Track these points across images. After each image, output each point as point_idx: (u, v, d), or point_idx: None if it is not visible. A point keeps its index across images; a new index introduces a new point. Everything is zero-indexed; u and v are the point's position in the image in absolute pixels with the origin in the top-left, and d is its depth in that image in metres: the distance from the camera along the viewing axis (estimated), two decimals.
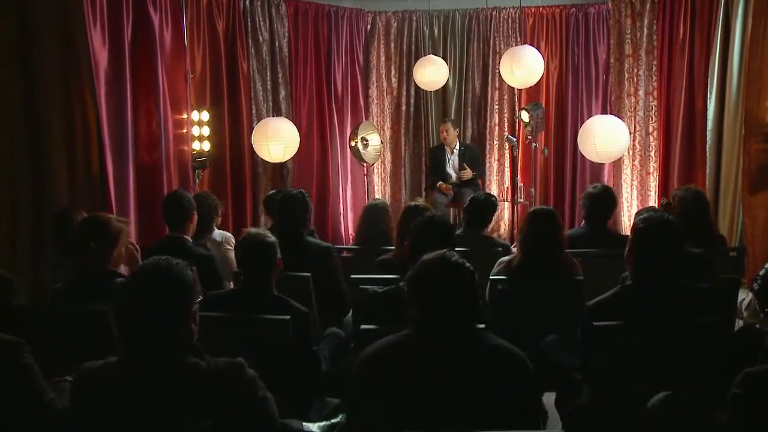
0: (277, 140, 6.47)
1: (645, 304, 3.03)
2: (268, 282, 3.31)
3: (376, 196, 8.53)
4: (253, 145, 6.70)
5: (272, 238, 3.34)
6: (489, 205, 5.06)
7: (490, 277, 3.95)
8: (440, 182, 7.97)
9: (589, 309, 3.10)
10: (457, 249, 4.83)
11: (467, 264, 2.42)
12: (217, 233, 5.29)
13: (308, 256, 4.23)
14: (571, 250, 4.29)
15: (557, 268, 3.88)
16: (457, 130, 8.18)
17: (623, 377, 3.05)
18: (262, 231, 3.39)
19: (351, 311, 4.23)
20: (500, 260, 4.06)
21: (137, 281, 2.23)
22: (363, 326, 3.08)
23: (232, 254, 5.28)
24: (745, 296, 4.11)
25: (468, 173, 7.85)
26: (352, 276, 4.09)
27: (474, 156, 8.09)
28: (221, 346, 3.24)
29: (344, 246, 5.39)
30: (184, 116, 6.64)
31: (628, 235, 5.60)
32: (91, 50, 5.60)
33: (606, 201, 4.82)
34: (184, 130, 6.66)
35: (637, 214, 4.28)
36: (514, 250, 5.23)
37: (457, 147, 8.07)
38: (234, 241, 5.38)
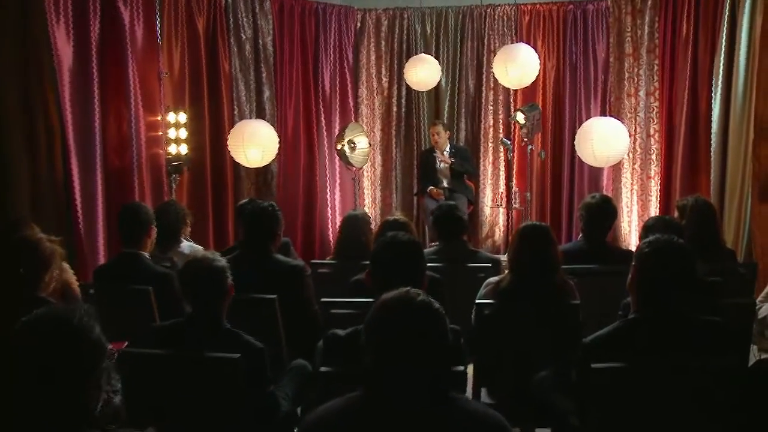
0: (254, 144, 5.98)
1: (651, 343, 2.56)
2: (217, 313, 2.83)
3: (366, 201, 8.07)
4: (229, 149, 6.21)
5: (221, 262, 2.86)
6: (453, 219, 4.53)
7: (476, 301, 3.48)
8: (431, 187, 7.49)
9: (586, 347, 2.62)
10: (436, 265, 4.40)
11: (436, 305, 1.94)
12: (186, 245, 4.82)
13: (276, 275, 3.76)
14: (567, 266, 3.83)
15: (551, 290, 3.39)
16: (449, 132, 7.70)
17: (626, 426, 2.59)
18: (209, 254, 2.90)
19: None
20: (488, 281, 3.58)
21: (23, 336, 1.76)
22: (323, 368, 2.61)
23: None
24: (763, 311, 3.64)
25: (450, 160, 7.37)
26: (323, 300, 3.63)
27: (465, 156, 7.61)
28: (160, 388, 2.79)
29: (320, 261, 4.88)
30: (158, 118, 6.15)
31: (629, 250, 5.16)
32: (53, 48, 5.15)
33: (605, 213, 4.34)
34: (158, 133, 6.18)
35: (644, 228, 3.78)
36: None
37: (448, 150, 7.59)
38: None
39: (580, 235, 4.45)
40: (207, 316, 2.80)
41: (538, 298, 3.37)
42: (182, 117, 6.61)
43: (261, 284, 3.65)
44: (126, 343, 3.15)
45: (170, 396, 2.76)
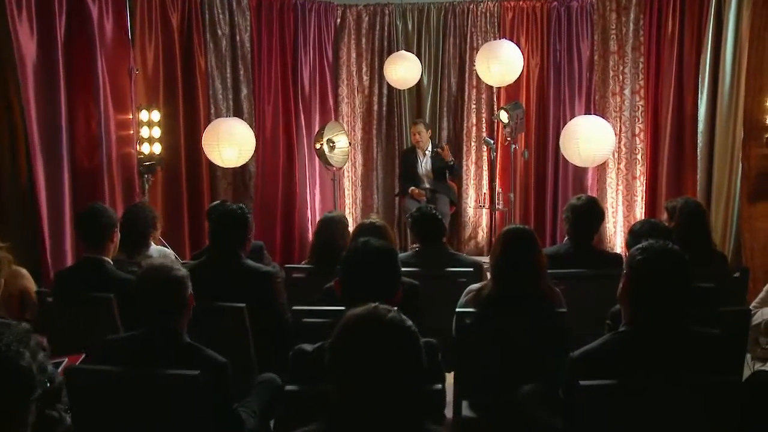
0: (229, 143, 5.73)
1: (643, 358, 2.36)
2: (176, 326, 2.60)
3: (346, 201, 7.84)
4: (204, 149, 5.96)
5: (180, 271, 2.62)
6: (432, 221, 4.29)
7: (457, 310, 3.26)
8: (412, 187, 7.27)
9: (574, 362, 2.41)
10: (414, 270, 4.17)
11: (408, 323, 1.72)
12: (155, 249, 4.59)
13: (246, 282, 3.52)
14: (552, 270, 3.63)
15: (536, 298, 3.18)
16: (430, 131, 7.48)
17: None
18: (167, 262, 2.67)
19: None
20: (469, 288, 3.36)
21: None
22: (288, 387, 2.39)
23: None
24: (758, 317, 3.45)
25: (447, 153, 7.14)
26: (294, 308, 3.40)
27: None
28: (114, 408, 2.56)
29: (295, 265, 4.64)
30: (130, 116, 5.89)
31: (617, 254, 4.96)
32: (15, 43, 4.88)
33: (592, 215, 4.14)
34: (130, 132, 5.92)
35: (631, 232, 3.57)
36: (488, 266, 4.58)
37: (430, 149, 7.37)
38: (173, 259, 4.68)
39: (566, 238, 4.25)
40: (164, 329, 2.57)
41: (522, 306, 3.16)
42: (155, 115, 6.37)
43: (230, 291, 3.43)
44: (83, 356, 2.93)
45: (124, 416, 2.52)
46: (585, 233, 4.14)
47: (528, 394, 2.90)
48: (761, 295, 3.61)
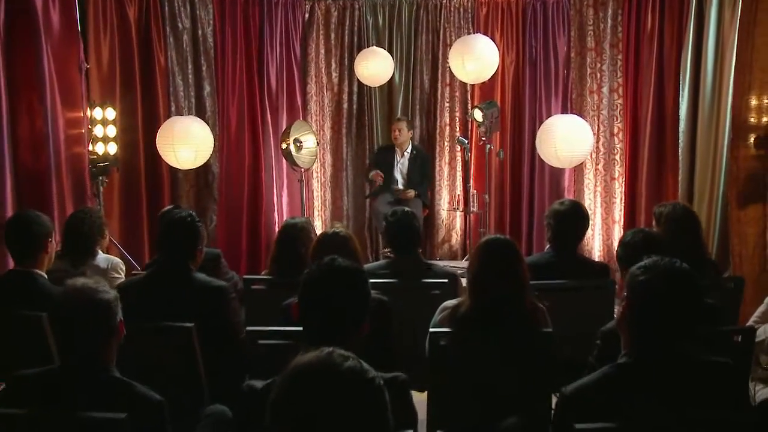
0: (185, 143, 5.28)
1: (648, 394, 1.99)
2: (101, 359, 2.18)
3: (315, 204, 7.42)
4: (158, 149, 5.51)
5: (107, 294, 2.21)
6: (408, 230, 3.87)
7: (431, 330, 2.88)
8: (376, 171, 6.86)
9: (566, 400, 2.04)
10: (385, 281, 3.79)
11: (370, 375, 1.33)
12: (102, 258, 4.15)
13: (195, 299, 3.11)
14: (535, 281, 3.27)
15: (519, 317, 2.81)
16: (411, 131, 7.09)
17: None
18: (91, 282, 2.24)
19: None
20: (444, 305, 2.97)
21: None
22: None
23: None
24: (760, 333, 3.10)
25: (411, 194, 6.74)
26: (249, 329, 2.99)
27: (425, 165, 7.03)
28: None
29: (254, 276, 4.21)
30: (80, 113, 5.42)
31: (603, 263, 4.59)
32: None
33: (576, 220, 3.79)
34: (81, 130, 5.44)
35: (623, 245, 3.18)
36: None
37: (409, 150, 6.98)
38: (123, 268, 4.25)
39: (548, 246, 3.88)
40: (87, 362, 2.15)
41: (503, 326, 2.78)
42: (110, 113, 5.93)
43: (177, 309, 3.02)
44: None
45: None
46: (568, 240, 3.78)
47: (510, 428, 2.52)
48: (761, 308, 3.26)
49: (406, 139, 6.97)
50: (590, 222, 6.66)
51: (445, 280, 3.72)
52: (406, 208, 4.04)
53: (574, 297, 3.63)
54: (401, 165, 7.02)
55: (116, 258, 4.28)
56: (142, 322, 2.97)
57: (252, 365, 2.98)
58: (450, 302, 2.95)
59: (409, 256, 3.84)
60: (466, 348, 2.83)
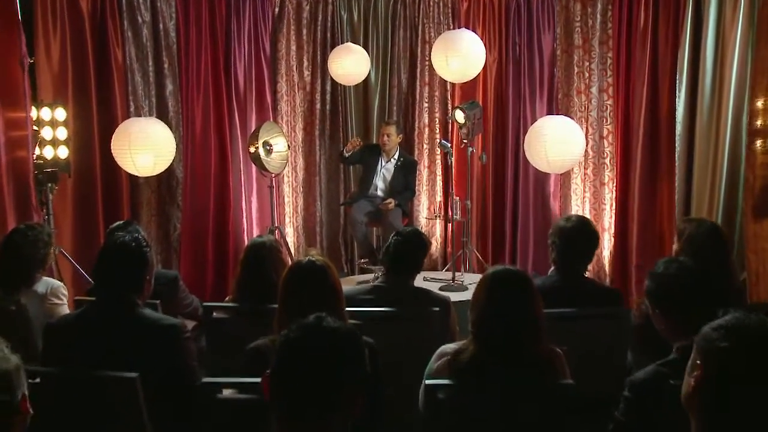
0: (143, 148, 4.68)
1: None
2: None
3: (287, 210, 6.85)
4: (114, 155, 4.90)
5: (9, 361, 1.62)
6: (413, 254, 3.42)
7: (425, 381, 2.34)
8: (354, 138, 6.34)
9: None
10: (376, 310, 3.28)
11: None
12: (44, 283, 3.56)
13: (142, 341, 2.54)
14: None
15: (532, 366, 2.28)
16: (401, 136, 6.51)
17: None
18: None
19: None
20: (441, 350, 2.43)
21: None
22: None
23: (62, 310, 3.59)
24: None
25: (391, 205, 6.17)
26: (205, 380, 2.44)
27: (410, 174, 6.45)
28: None
29: (215, 303, 3.62)
30: (23, 114, 4.79)
31: (615, 289, 4.01)
32: None
33: (585, 239, 3.29)
34: (24, 132, 4.82)
35: (654, 277, 2.59)
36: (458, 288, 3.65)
37: (396, 156, 6.40)
38: (65, 293, 3.66)
39: (552, 268, 3.36)
40: None
41: (514, 377, 2.25)
42: (61, 114, 5.30)
43: (118, 355, 2.46)
44: None
45: None
46: (576, 262, 3.27)
47: None
48: None
49: (394, 145, 6.38)
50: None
51: (437, 309, 3.19)
52: (419, 229, 3.55)
53: (582, 326, 3.12)
54: (385, 171, 6.44)
55: (56, 281, 3.68)
56: (75, 370, 2.44)
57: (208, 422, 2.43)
58: (449, 347, 2.41)
59: (402, 279, 3.32)
60: (469, 403, 2.29)
